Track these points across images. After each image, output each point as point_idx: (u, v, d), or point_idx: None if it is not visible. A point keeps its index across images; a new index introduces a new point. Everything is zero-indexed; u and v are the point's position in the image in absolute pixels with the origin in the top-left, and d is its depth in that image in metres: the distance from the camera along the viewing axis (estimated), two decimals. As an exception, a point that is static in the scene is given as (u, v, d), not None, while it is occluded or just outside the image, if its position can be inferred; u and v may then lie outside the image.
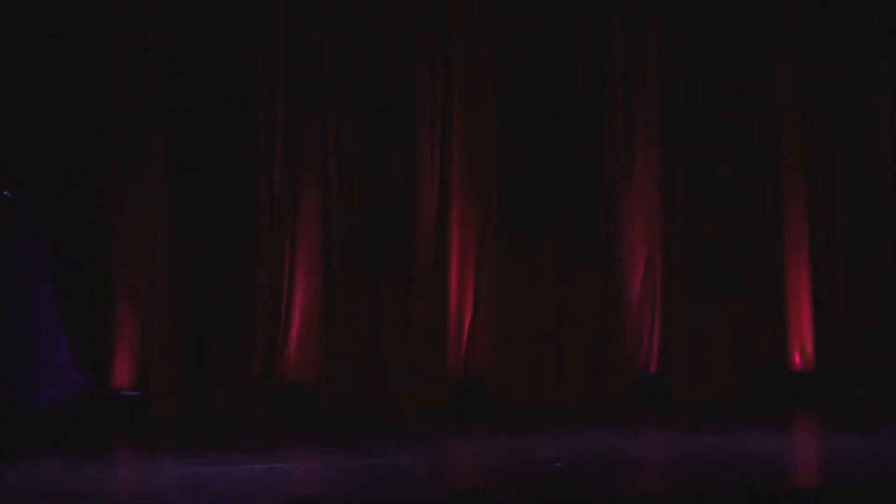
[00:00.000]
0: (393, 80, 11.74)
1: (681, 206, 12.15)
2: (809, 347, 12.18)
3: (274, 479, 8.50)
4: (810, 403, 11.81)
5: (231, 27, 11.47)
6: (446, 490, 7.78)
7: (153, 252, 11.18)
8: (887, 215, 12.32)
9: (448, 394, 11.70)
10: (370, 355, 11.60)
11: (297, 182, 11.50)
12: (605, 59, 12.05)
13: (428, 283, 11.71)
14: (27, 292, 9.90)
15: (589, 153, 12.03)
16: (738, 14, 12.24)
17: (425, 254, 11.71)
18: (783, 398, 11.97)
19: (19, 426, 9.75)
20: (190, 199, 11.31)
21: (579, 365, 11.95)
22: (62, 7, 11.11)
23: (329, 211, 11.54)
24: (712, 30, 12.22)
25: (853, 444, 9.46)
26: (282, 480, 8.53)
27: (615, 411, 11.52)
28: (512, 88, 11.95)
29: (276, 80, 11.46)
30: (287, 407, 11.32)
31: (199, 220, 11.34)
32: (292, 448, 10.18)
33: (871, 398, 11.84)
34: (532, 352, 11.92)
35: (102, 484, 8.47)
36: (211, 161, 11.37)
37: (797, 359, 12.20)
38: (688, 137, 12.17)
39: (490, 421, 11.05)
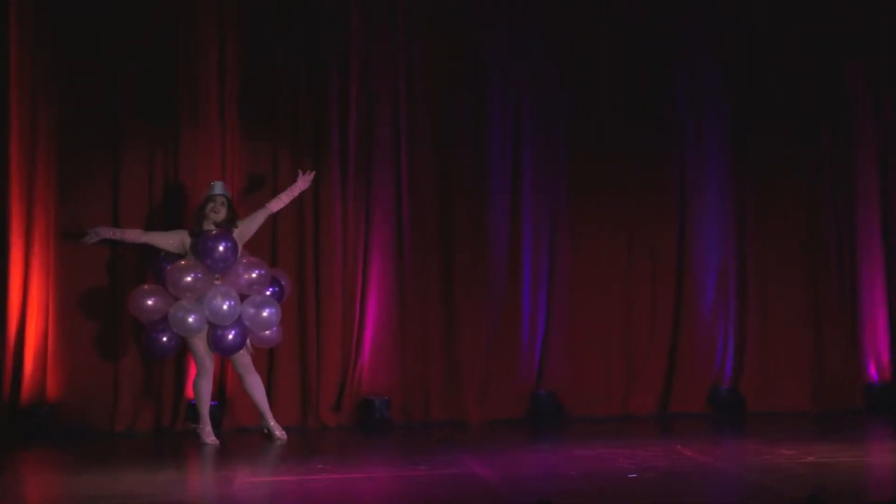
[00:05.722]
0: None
1: (753, 213, 12.10)
2: (885, 359, 12.10)
3: (348, 489, 8.56)
4: (886, 415, 11.74)
5: (303, 40, 11.56)
6: (519, 502, 7.82)
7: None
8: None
9: (521, 405, 11.74)
10: (444, 367, 11.64)
11: (368, 194, 11.58)
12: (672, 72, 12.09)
13: (501, 296, 11.74)
14: None
15: (660, 163, 12.04)
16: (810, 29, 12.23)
17: (498, 269, 11.74)
18: (859, 410, 11.91)
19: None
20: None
21: (653, 376, 11.95)
22: None
23: (402, 225, 11.60)
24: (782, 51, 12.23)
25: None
26: (356, 491, 8.59)
27: (689, 422, 11.51)
28: (582, 92, 12.00)
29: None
30: (361, 418, 11.39)
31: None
32: (367, 459, 10.23)
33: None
34: (605, 363, 11.93)
35: (174, 491, 8.55)
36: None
37: (873, 370, 12.11)
38: (759, 144, 12.14)
39: (563, 432, 11.05)
